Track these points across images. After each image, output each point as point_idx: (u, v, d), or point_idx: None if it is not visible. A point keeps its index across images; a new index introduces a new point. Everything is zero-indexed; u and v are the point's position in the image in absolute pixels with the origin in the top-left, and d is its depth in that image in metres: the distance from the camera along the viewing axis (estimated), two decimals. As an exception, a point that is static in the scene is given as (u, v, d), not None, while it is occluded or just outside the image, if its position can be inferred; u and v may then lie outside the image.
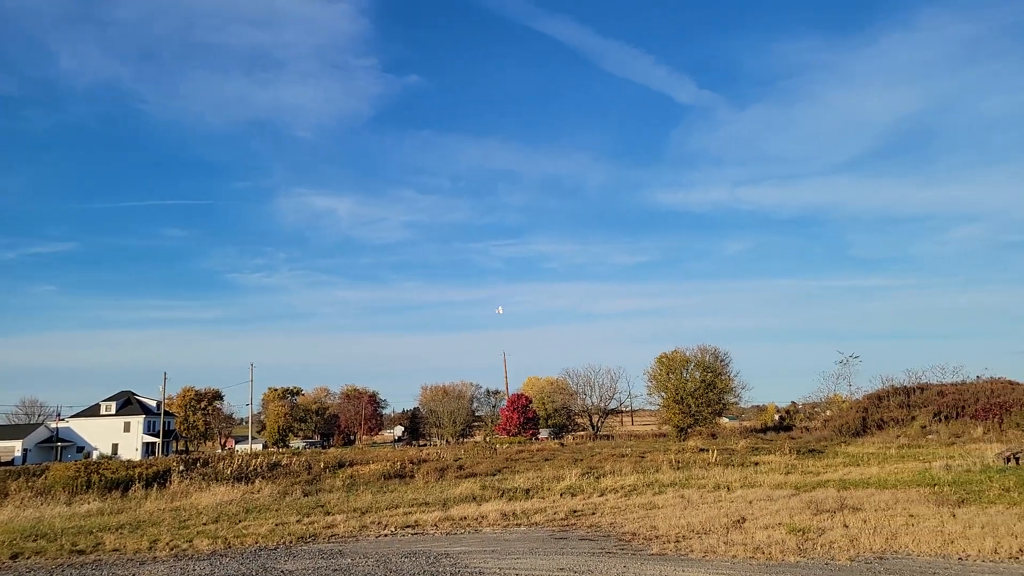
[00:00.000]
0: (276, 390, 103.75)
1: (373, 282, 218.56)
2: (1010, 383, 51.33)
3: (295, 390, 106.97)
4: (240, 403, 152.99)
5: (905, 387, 54.34)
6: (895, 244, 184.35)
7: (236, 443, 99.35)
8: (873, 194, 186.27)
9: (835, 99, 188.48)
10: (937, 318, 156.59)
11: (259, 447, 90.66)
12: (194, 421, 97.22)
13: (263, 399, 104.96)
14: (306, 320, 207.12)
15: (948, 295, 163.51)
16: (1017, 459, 23.67)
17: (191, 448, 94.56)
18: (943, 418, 45.92)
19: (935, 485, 19.60)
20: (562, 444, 52.83)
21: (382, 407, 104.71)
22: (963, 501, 16.55)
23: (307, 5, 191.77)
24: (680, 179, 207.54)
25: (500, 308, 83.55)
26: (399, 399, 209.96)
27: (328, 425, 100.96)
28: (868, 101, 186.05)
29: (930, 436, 41.73)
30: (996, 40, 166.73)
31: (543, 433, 72.06)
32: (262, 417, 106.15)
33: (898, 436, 43.23)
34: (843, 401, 62.41)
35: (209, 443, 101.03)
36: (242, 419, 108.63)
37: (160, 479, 30.65)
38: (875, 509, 15.52)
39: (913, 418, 47.35)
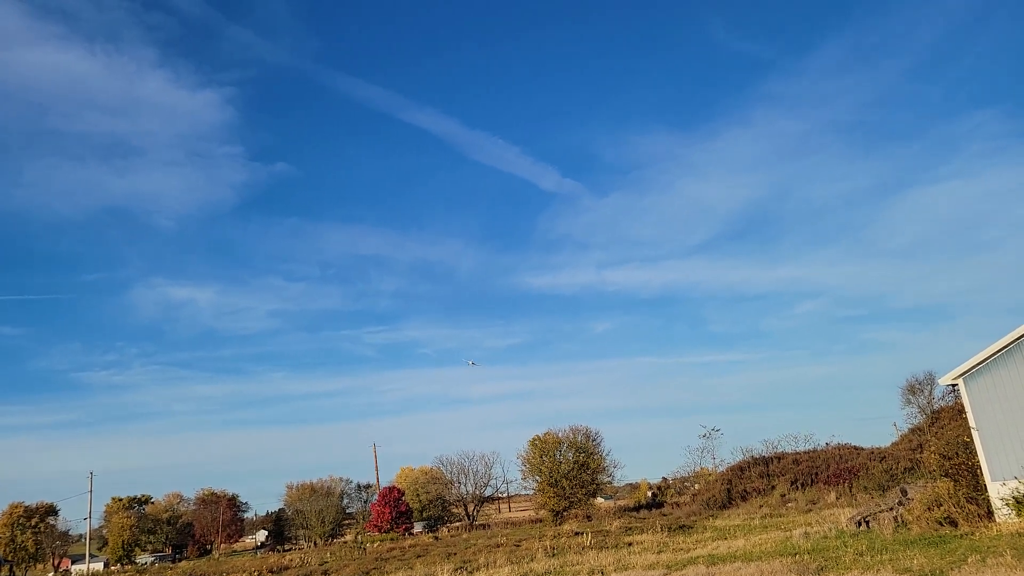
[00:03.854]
0: (121, 500, 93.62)
1: (236, 375, 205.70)
2: (855, 448, 54.97)
3: (144, 498, 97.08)
4: (79, 517, 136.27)
5: (764, 457, 56.77)
6: (747, 320, 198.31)
7: (73, 563, 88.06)
8: (725, 274, 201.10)
9: (685, 187, 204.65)
10: (787, 389, 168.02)
11: (99, 566, 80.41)
12: (22, 542, 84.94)
13: (106, 511, 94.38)
14: (160, 420, 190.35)
15: (795, 367, 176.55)
16: (867, 523, 24.77)
17: (18, 573, 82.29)
18: (800, 485, 48.11)
19: (796, 554, 19.96)
20: (436, 538, 50.39)
21: (243, 511, 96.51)
22: (822, 569, 16.85)
23: (169, 94, 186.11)
24: (548, 262, 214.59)
25: (471, 361, 78.35)
26: (263, 500, 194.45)
27: (181, 535, 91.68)
28: (714, 189, 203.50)
29: (789, 504, 43.42)
30: (820, 135, 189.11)
31: (417, 527, 68.75)
32: (104, 531, 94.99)
33: (761, 506, 44.68)
34: (709, 474, 64.28)
35: (40, 565, 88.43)
36: (80, 535, 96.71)
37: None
38: (741, 585, 15.41)
39: (773, 487, 49.31)
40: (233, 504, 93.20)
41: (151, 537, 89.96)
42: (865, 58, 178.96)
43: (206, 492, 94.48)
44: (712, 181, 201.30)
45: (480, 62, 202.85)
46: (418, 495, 74.54)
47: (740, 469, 56.10)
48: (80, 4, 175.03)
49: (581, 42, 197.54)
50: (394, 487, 68.82)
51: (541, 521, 61.29)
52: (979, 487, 21.91)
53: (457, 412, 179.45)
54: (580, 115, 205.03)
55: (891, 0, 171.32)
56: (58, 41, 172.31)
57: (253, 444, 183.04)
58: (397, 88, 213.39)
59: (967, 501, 21.76)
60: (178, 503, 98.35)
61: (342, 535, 78.33)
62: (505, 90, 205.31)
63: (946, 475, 23.63)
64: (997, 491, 21.03)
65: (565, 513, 58.40)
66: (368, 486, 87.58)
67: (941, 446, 25.40)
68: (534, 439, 62.85)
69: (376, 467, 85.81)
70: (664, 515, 48.62)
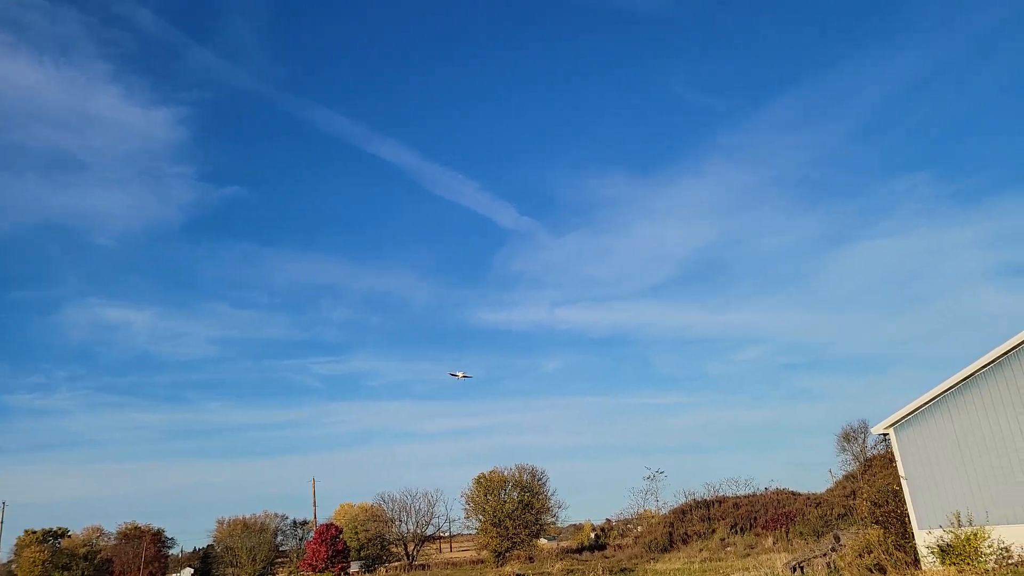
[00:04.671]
0: (35, 532, 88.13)
1: (172, 403, 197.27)
2: (792, 493, 56.03)
3: (60, 531, 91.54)
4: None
5: (706, 500, 57.33)
6: (692, 363, 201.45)
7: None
8: (674, 317, 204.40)
9: (640, 231, 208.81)
10: (730, 432, 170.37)
11: (6, 604, 75.29)
12: (-81, 578, 79.17)
13: (16, 544, 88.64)
14: (85, 448, 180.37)
15: (737, 410, 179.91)
16: (802, 568, 25.20)
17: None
18: (739, 530, 48.68)
19: (733, 599, 20.15)
20: (374, 578, 49.07)
21: (168, 546, 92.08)
22: (757, 615, 17.03)
23: (121, 110, 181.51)
24: (503, 299, 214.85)
25: (462, 373, 70.13)
26: (191, 536, 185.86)
27: (99, 572, 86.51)
28: (668, 234, 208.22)
29: (728, 548, 43.85)
30: (768, 188, 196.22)
31: (354, 567, 66.79)
32: (13, 567, 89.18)
33: (701, 550, 44.99)
34: (652, 517, 64.48)
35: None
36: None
37: None
38: (678, 631, 15.45)
39: (713, 531, 49.75)
40: (158, 539, 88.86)
41: (66, 573, 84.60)
42: (811, 118, 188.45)
43: (129, 526, 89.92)
44: (666, 226, 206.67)
45: (444, 97, 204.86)
46: (356, 533, 72.50)
47: (682, 512, 56.51)
48: (33, 15, 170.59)
49: (543, 85, 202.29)
50: (332, 524, 66.84)
51: (482, 562, 60.28)
52: (907, 535, 22.60)
53: (403, 447, 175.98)
54: (540, 155, 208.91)
55: (835, 66, 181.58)
56: (2, 48, 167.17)
57: (186, 476, 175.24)
58: (360, 118, 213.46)
59: (895, 548, 22.40)
60: (98, 537, 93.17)
61: (274, 574, 75.48)
62: (467, 126, 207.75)
63: (877, 522, 24.32)
64: (923, 539, 21.72)
65: (507, 554, 57.62)
66: (305, 523, 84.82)
67: (872, 494, 26.16)
68: (479, 477, 62.17)
69: (314, 502, 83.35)
70: (606, 557, 48.47)
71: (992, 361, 21.31)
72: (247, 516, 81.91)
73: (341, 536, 64.72)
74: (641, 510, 69.24)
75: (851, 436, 56.52)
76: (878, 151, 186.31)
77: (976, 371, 21.64)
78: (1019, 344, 20.75)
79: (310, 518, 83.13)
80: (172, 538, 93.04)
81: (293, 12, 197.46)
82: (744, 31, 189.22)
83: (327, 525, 65.91)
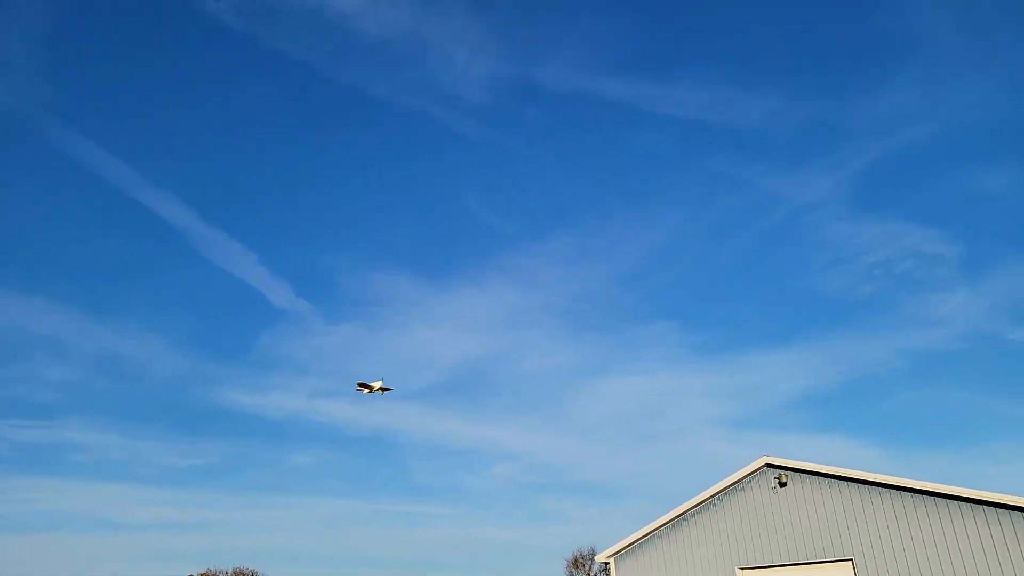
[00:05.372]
0: None
1: None
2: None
3: None
4: None
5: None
6: (449, 474, 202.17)
7: None
8: (435, 424, 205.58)
9: (415, 333, 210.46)
10: (474, 548, 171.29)
11: None
12: None
13: None
14: None
15: (486, 527, 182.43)
16: None
17: None
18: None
19: None
20: None
21: None
22: None
23: None
24: (260, 382, 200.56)
25: (379, 383, 47.42)
26: None
27: None
28: (440, 341, 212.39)
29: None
30: (539, 313, 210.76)
31: None
32: None
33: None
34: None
35: None
36: None
37: None
38: None
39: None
40: None
41: None
42: (585, 257, 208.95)
43: None
44: (440, 333, 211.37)
45: (235, 164, 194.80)
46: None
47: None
48: None
49: (340, 174, 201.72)
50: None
51: None
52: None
53: (105, 538, 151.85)
54: (328, 241, 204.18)
55: (611, 215, 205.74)
56: None
57: None
58: (133, 162, 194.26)
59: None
60: None
61: None
62: (255, 197, 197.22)
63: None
64: (626, 664, 23.92)
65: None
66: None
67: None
68: (192, 579, 56.07)
69: (-24, 598, 68.55)
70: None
71: (696, 505, 24.96)
72: None
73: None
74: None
75: (579, 562, 60.26)
76: (635, 296, 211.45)
77: (683, 512, 25.13)
78: (717, 492, 24.65)
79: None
80: None
81: (77, 34, 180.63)
82: (538, 165, 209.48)
83: (-10, 627, 54.61)
